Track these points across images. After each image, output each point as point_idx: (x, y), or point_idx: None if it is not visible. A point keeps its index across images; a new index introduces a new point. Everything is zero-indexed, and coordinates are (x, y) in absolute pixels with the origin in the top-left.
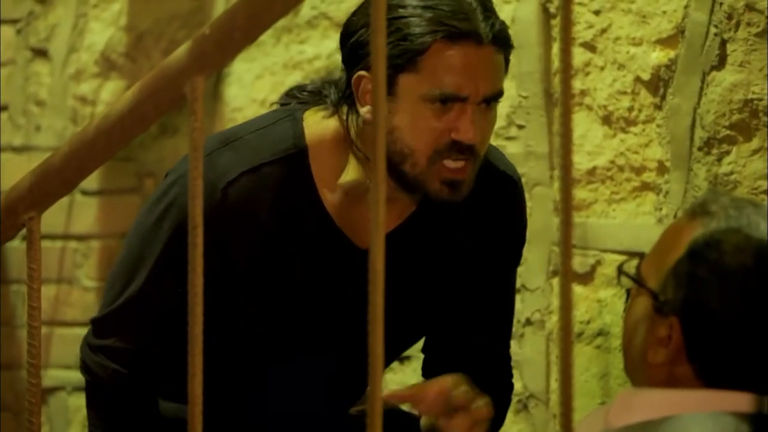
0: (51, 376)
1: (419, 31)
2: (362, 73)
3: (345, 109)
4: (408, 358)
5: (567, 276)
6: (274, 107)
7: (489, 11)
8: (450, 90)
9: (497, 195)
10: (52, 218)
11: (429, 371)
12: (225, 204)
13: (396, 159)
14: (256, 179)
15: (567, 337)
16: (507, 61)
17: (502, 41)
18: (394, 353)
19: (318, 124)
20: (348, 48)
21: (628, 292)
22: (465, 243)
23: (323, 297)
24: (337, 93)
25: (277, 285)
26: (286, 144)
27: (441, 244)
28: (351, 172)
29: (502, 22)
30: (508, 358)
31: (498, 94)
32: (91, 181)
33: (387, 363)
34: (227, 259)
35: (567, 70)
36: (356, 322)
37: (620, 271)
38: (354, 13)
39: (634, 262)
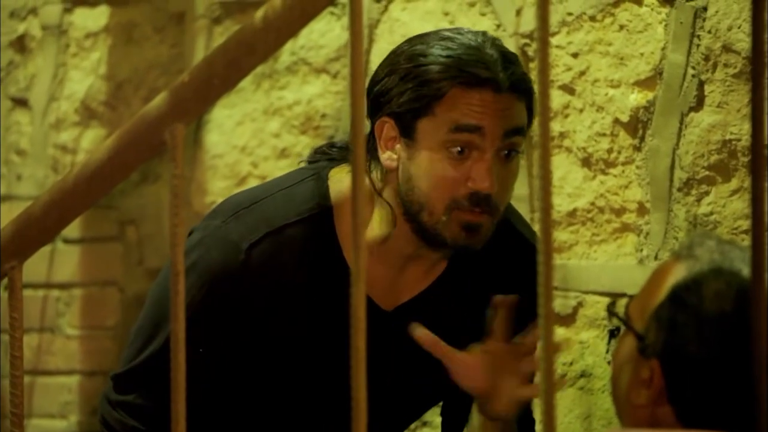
0: (34, 425)
1: (437, 77)
2: (385, 119)
3: (369, 161)
4: (425, 423)
5: (548, 318)
6: (302, 164)
7: (510, 62)
8: (465, 121)
9: (523, 264)
10: (33, 267)
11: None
12: (248, 265)
13: (414, 208)
14: (279, 240)
15: (549, 379)
16: (530, 111)
17: (522, 89)
18: (409, 417)
19: (343, 181)
20: (372, 97)
21: (611, 333)
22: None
23: (345, 359)
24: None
25: (298, 346)
26: (310, 204)
27: (468, 309)
28: (375, 228)
29: (524, 73)
30: (533, 421)
31: (519, 130)
32: (73, 229)
33: (409, 424)
34: (249, 319)
35: (545, 113)
36: (381, 385)
37: (610, 311)
38: (379, 65)
39: (624, 301)
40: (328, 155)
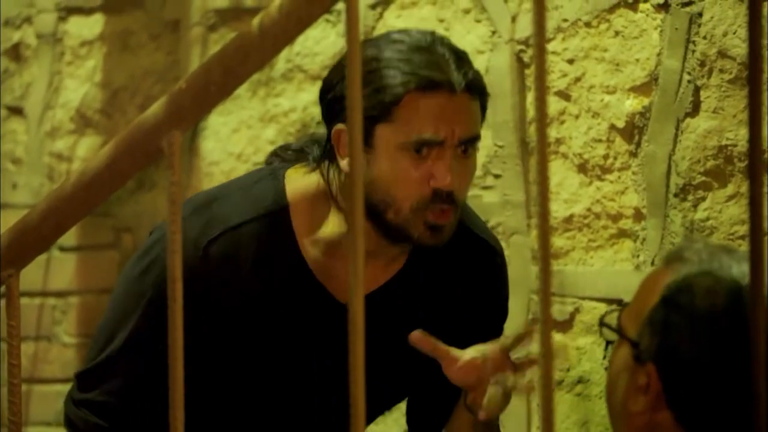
0: None
1: (392, 82)
2: (340, 126)
3: (326, 164)
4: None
5: (547, 324)
6: (258, 165)
7: (462, 61)
8: (426, 135)
9: (481, 266)
10: (29, 275)
11: (414, 427)
12: (206, 261)
13: (379, 208)
14: (236, 237)
15: (548, 385)
16: (483, 109)
17: (476, 89)
18: (377, 412)
19: (300, 180)
20: (326, 103)
21: (608, 342)
22: (448, 309)
23: (304, 352)
24: (319, 149)
25: (258, 341)
26: (266, 202)
27: (424, 306)
28: (331, 225)
29: (476, 72)
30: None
31: (474, 138)
32: (69, 237)
33: (369, 421)
34: (208, 316)
35: (542, 119)
36: (337, 376)
37: (601, 323)
38: (331, 70)
39: (616, 313)
40: (283, 158)
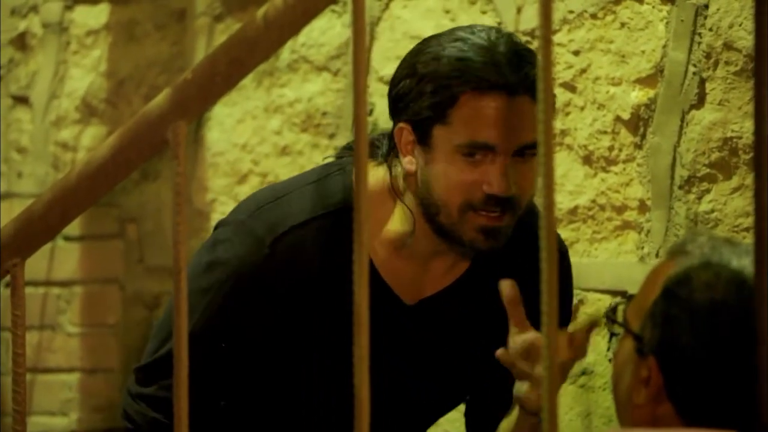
0: (34, 423)
1: (449, 83)
2: (402, 124)
3: (392, 160)
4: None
5: (551, 317)
6: (328, 160)
7: (524, 61)
8: (478, 140)
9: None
10: (34, 264)
11: (472, 428)
12: (273, 258)
13: (432, 210)
14: (304, 234)
15: (552, 376)
16: None
17: (535, 89)
18: (437, 412)
19: (369, 175)
20: (391, 99)
21: (612, 333)
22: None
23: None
24: (388, 144)
25: (322, 340)
26: (335, 198)
27: (488, 309)
28: (396, 223)
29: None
30: None
31: (533, 144)
32: (73, 227)
33: (430, 422)
34: (273, 313)
35: (548, 111)
36: (402, 376)
37: (608, 317)
38: (399, 65)
39: (622, 306)
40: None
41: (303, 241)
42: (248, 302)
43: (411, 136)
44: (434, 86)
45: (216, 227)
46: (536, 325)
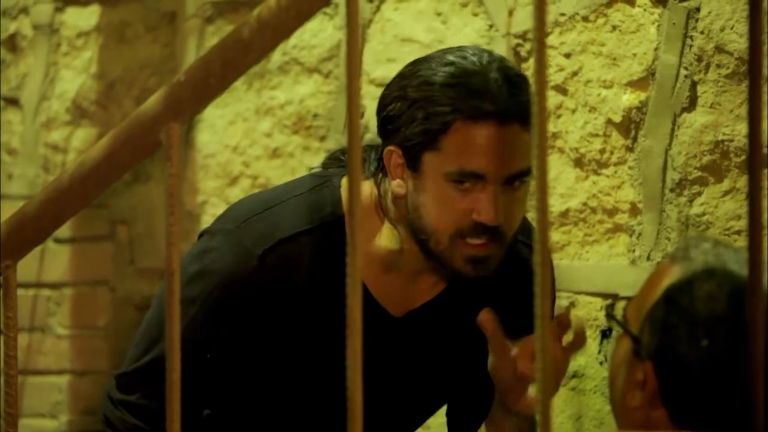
0: (23, 425)
1: (441, 110)
2: (392, 148)
3: (380, 177)
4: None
5: (545, 319)
6: (314, 170)
7: (517, 88)
8: (469, 168)
9: (527, 281)
10: (24, 266)
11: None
12: (260, 271)
13: (422, 236)
14: (292, 248)
15: (546, 379)
16: None
17: (526, 116)
18: (418, 420)
19: None
20: (380, 120)
21: (603, 333)
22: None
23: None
24: (375, 158)
25: (309, 353)
26: (323, 212)
27: (470, 318)
28: (384, 239)
29: (528, 94)
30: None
31: (523, 173)
32: (64, 229)
33: (418, 425)
34: (260, 324)
35: (542, 114)
36: (388, 390)
37: (608, 313)
38: (388, 84)
39: (622, 303)
40: (341, 161)
41: (292, 254)
42: (234, 313)
43: (400, 159)
44: (425, 113)
45: (201, 235)
46: (522, 331)
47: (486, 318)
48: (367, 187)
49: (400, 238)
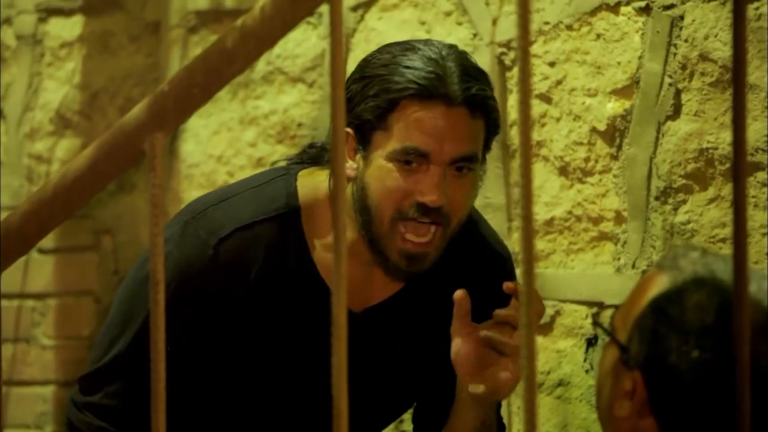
0: None
1: (392, 87)
2: (347, 129)
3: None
4: (401, 421)
5: (530, 327)
6: (280, 164)
7: (470, 76)
8: (411, 144)
9: (488, 273)
10: (8, 277)
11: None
12: (216, 260)
13: (365, 217)
14: (248, 237)
15: (531, 388)
16: (489, 129)
17: (478, 105)
18: (385, 420)
19: (311, 182)
20: None
21: (588, 341)
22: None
23: (310, 356)
24: None
25: (263, 343)
26: (278, 203)
27: (431, 317)
28: None
29: (484, 89)
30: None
31: (468, 157)
32: (48, 239)
33: (384, 426)
34: (215, 314)
35: (526, 122)
36: (350, 383)
37: (595, 321)
38: (351, 72)
39: (609, 311)
40: (308, 154)
41: (247, 243)
42: (193, 303)
43: (354, 143)
44: (377, 90)
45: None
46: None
47: (462, 296)
48: (324, 180)
49: (352, 226)
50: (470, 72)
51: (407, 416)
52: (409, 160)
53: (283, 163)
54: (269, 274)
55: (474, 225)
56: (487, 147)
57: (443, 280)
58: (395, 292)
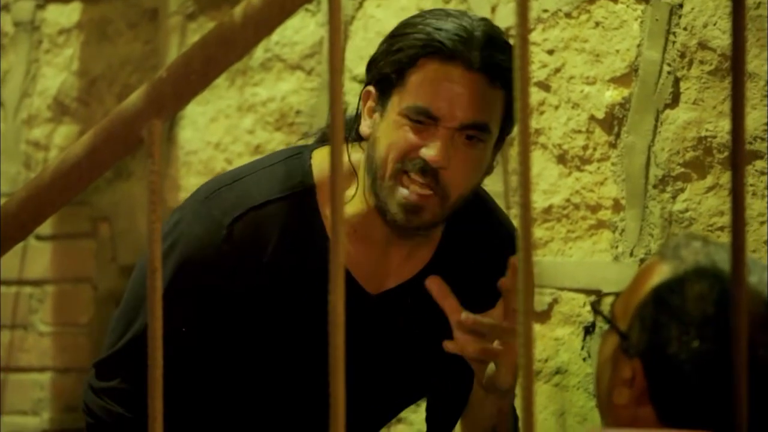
0: (5, 422)
1: (413, 43)
2: (369, 88)
3: (351, 142)
4: (400, 420)
5: (528, 315)
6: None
7: (493, 44)
8: (423, 105)
9: (503, 256)
10: (5, 263)
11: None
12: (230, 240)
13: (373, 168)
14: (261, 217)
15: (528, 375)
16: (506, 100)
17: (498, 75)
18: (391, 408)
19: (326, 159)
20: (367, 66)
21: (586, 329)
22: (476, 302)
23: (324, 338)
24: (352, 124)
25: (278, 324)
26: (292, 182)
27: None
28: (354, 206)
29: (506, 60)
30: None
31: (480, 126)
32: (45, 226)
33: (393, 415)
34: (233, 296)
35: (525, 110)
36: (362, 367)
37: (594, 308)
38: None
39: (609, 299)
40: (324, 135)
41: (261, 222)
42: (207, 283)
43: (373, 102)
44: (399, 46)
45: (174, 211)
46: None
47: (434, 286)
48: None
49: (364, 199)
50: (497, 42)
51: (406, 415)
52: (419, 120)
53: (303, 141)
54: (284, 254)
55: (486, 207)
56: (506, 125)
57: (460, 265)
58: (412, 275)
